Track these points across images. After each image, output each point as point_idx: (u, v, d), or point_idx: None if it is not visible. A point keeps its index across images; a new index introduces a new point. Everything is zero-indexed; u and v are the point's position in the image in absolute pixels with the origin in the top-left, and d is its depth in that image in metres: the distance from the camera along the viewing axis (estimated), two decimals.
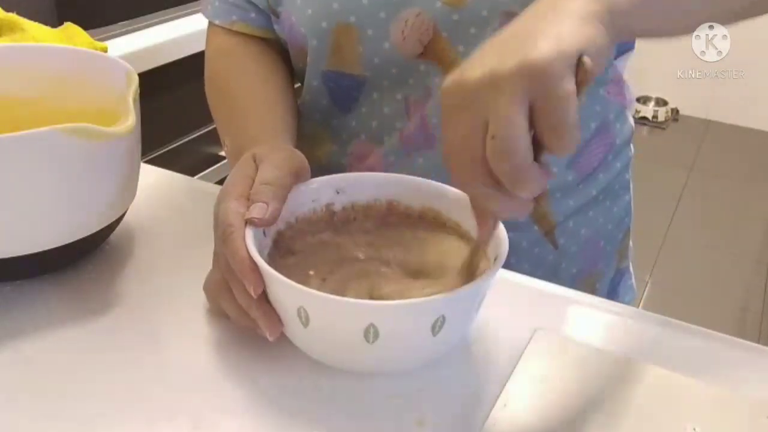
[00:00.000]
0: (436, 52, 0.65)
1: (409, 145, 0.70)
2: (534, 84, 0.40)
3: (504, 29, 0.45)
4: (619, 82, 0.75)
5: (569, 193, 0.73)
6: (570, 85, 0.41)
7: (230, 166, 0.65)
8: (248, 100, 0.69)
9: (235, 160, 0.60)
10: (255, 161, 0.56)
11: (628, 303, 0.84)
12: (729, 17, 0.54)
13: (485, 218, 0.49)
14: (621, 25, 0.45)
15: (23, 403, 0.50)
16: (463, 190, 0.46)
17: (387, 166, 0.71)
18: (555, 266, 0.75)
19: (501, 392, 0.51)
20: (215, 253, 0.54)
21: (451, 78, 0.44)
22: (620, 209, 0.79)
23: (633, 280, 0.87)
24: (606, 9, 0.44)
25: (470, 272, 0.52)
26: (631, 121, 0.79)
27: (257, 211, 0.51)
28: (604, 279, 0.81)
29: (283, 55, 0.75)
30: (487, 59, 0.42)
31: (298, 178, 0.56)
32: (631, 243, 0.84)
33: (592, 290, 0.79)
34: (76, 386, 0.51)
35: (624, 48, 0.73)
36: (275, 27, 0.73)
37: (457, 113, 0.43)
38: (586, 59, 0.41)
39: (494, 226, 0.50)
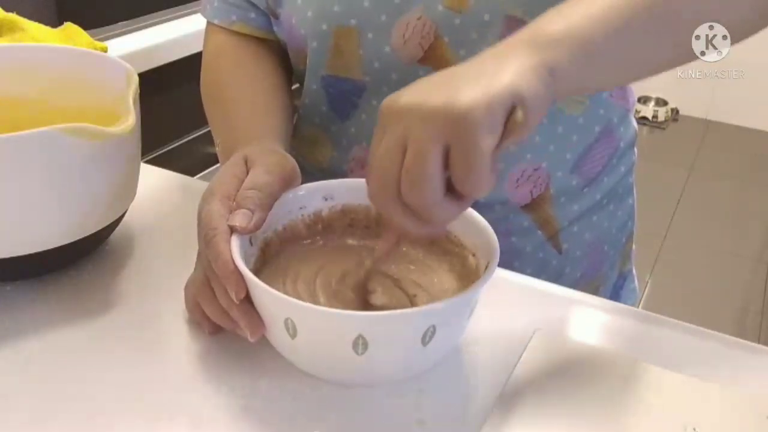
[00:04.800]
0: (436, 57, 0.65)
1: None
2: (451, 128, 0.41)
3: (449, 68, 0.46)
4: (623, 86, 0.75)
5: (574, 198, 0.73)
6: (486, 138, 0.41)
7: (221, 163, 0.65)
8: (242, 99, 0.69)
9: (226, 159, 0.60)
10: (246, 162, 0.56)
11: (630, 306, 0.84)
12: (684, 58, 0.54)
13: (390, 233, 0.49)
14: (564, 84, 0.46)
15: (23, 403, 0.50)
16: (376, 205, 0.46)
17: None
18: (559, 271, 0.75)
19: (501, 392, 0.51)
20: (199, 253, 0.54)
21: (388, 98, 0.45)
22: (624, 213, 0.79)
23: (636, 283, 0.86)
24: (547, 67, 0.44)
25: (363, 287, 0.52)
26: (635, 124, 0.79)
27: (240, 218, 0.51)
28: (607, 283, 0.80)
29: (283, 56, 0.75)
30: (423, 89, 0.44)
31: (287, 185, 0.56)
32: (634, 246, 0.84)
33: (595, 294, 0.78)
34: (75, 386, 0.51)
35: None
36: (275, 28, 0.73)
37: (383, 133, 0.44)
38: (519, 112, 0.42)
39: (397, 243, 0.50)
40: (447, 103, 0.41)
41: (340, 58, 0.68)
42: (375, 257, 0.52)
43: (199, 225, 0.53)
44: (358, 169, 0.73)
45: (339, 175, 0.73)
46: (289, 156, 0.59)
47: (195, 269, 0.55)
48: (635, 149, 0.79)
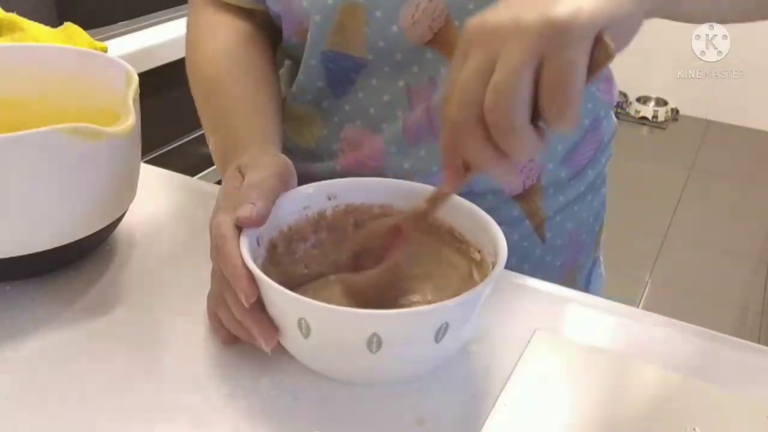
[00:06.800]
0: (446, 41, 0.63)
1: (412, 136, 0.69)
2: (549, 41, 0.39)
3: None
4: (609, 81, 0.77)
5: (561, 189, 0.74)
6: (582, 55, 0.39)
7: (215, 163, 0.65)
8: (239, 102, 0.67)
9: (220, 159, 0.60)
10: (240, 172, 0.56)
11: (598, 290, 0.86)
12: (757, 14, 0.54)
13: (458, 171, 0.46)
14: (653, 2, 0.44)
15: (23, 403, 0.50)
16: (453, 128, 0.44)
17: (388, 155, 0.70)
18: (540, 260, 0.76)
19: (501, 392, 0.51)
20: (213, 270, 0.54)
21: (474, 19, 0.43)
22: (599, 202, 0.81)
23: (602, 268, 0.88)
24: None
25: (422, 220, 0.52)
26: (614, 119, 0.81)
27: (243, 210, 0.51)
28: (583, 271, 0.82)
29: (270, 30, 0.73)
30: (515, 7, 0.42)
31: (283, 180, 0.55)
32: (603, 235, 0.86)
33: (573, 282, 0.80)
34: (75, 386, 0.51)
35: None
36: (267, 2, 0.71)
37: (469, 50, 0.42)
38: (608, 40, 0.40)
39: (463, 182, 0.47)
40: (545, 15, 0.40)
41: (343, 34, 0.66)
42: (433, 198, 0.51)
43: (210, 239, 0.53)
44: (349, 150, 0.72)
45: (327, 155, 0.73)
46: (282, 155, 0.59)
47: (212, 283, 0.55)
48: (612, 143, 0.82)
